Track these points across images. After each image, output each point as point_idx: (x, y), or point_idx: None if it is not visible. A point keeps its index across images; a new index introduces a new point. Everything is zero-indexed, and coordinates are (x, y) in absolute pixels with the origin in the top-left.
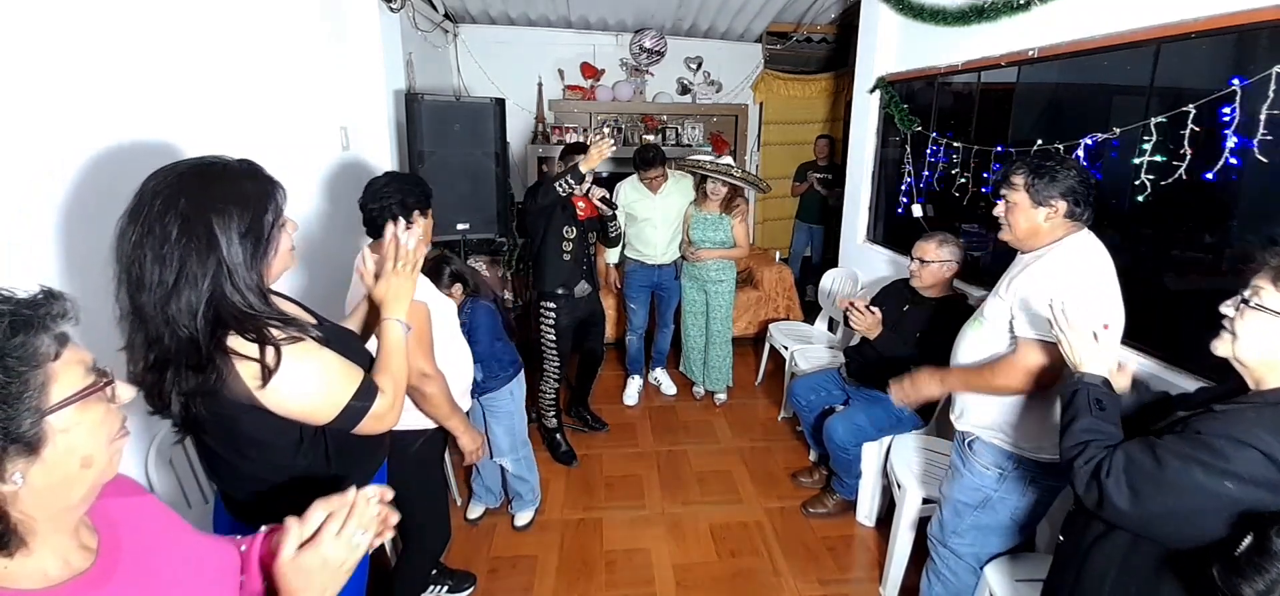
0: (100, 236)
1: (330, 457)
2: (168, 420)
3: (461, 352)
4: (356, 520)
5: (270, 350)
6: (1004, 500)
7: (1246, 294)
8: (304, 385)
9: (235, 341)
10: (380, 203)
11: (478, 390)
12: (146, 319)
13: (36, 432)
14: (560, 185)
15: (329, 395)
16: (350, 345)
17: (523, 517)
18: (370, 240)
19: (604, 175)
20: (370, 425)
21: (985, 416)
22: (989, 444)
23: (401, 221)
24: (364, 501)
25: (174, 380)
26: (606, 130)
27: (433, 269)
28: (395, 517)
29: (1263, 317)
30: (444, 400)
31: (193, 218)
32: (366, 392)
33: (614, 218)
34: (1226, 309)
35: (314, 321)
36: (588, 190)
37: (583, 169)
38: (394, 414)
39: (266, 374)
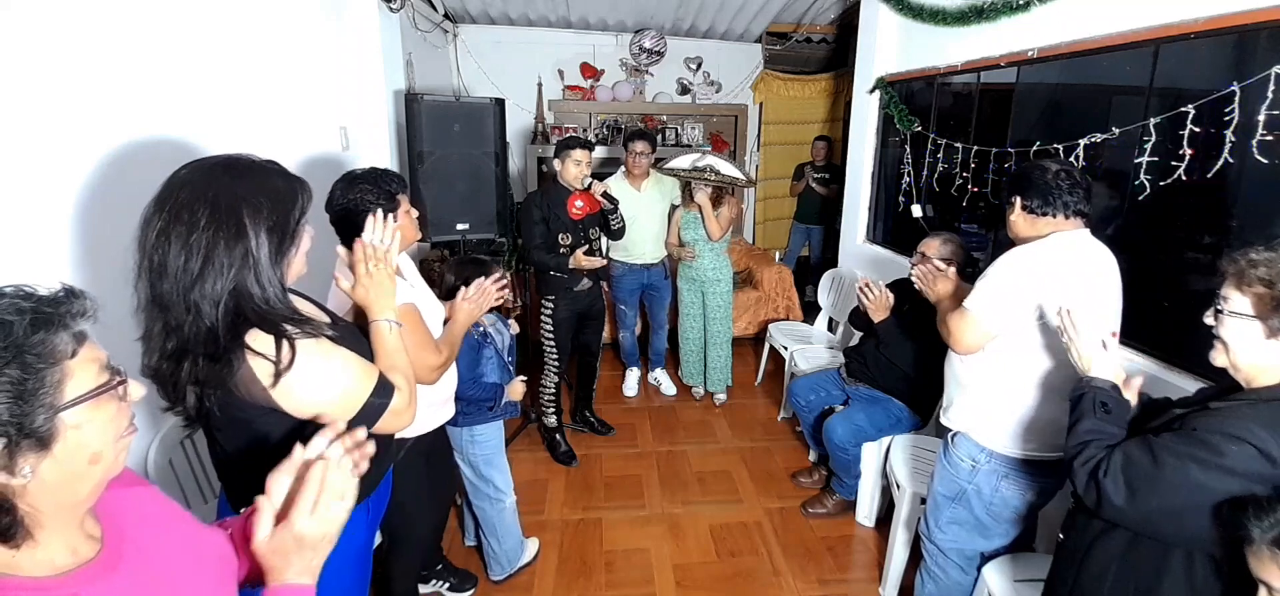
0: (101, 231)
1: None
2: (174, 418)
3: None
4: (331, 490)
5: (285, 348)
6: (978, 493)
7: (1219, 304)
8: (322, 383)
9: (254, 337)
10: (351, 200)
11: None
12: (168, 306)
13: (49, 428)
14: (564, 245)
15: (348, 393)
16: (362, 346)
17: (495, 572)
18: (342, 247)
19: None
20: (388, 422)
21: (964, 411)
22: (966, 437)
23: (375, 218)
24: (335, 468)
25: (190, 370)
26: (609, 194)
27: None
28: (371, 448)
29: (1236, 322)
30: (453, 349)
31: (223, 207)
32: (384, 390)
33: (616, 211)
34: (1207, 320)
35: (329, 321)
36: (589, 186)
37: (571, 266)
38: (412, 411)
39: (278, 372)
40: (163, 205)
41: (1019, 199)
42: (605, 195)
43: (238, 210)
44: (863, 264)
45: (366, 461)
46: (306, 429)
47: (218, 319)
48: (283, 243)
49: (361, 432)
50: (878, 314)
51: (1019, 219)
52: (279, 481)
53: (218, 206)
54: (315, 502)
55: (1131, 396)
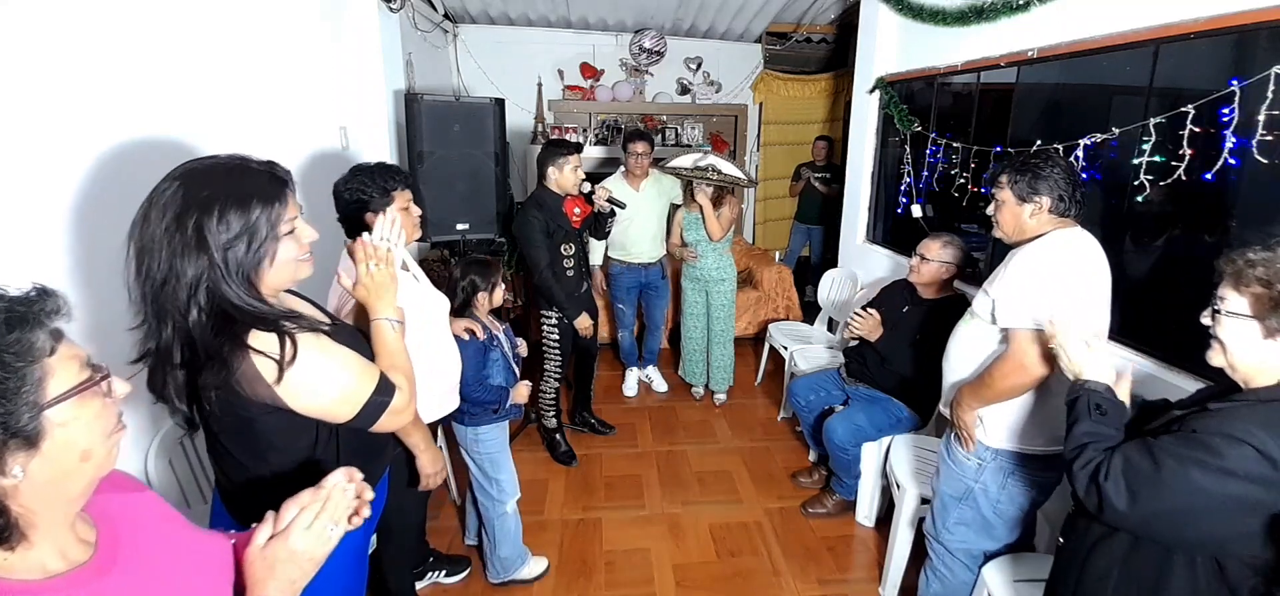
0: (99, 232)
1: (341, 459)
2: (171, 419)
3: (449, 349)
4: (330, 513)
5: (288, 344)
6: (985, 491)
7: (1216, 304)
8: (325, 380)
9: (255, 337)
10: (349, 192)
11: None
12: (148, 307)
13: (35, 427)
14: (567, 257)
15: (350, 391)
16: (360, 345)
17: (490, 576)
18: (348, 242)
19: (588, 172)
20: (388, 421)
21: None
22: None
23: (382, 217)
24: (339, 492)
25: (175, 371)
26: (609, 193)
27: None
28: (369, 494)
29: (1234, 322)
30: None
31: (183, 215)
32: (385, 388)
33: (614, 214)
34: (1204, 320)
35: (327, 321)
36: (591, 193)
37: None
38: (411, 410)
39: (282, 368)
40: (146, 210)
41: (1047, 200)
42: (611, 200)
43: (196, 217)
44: (863, 264)
45: (366, 510)
46: (309, 428)
47: (198, 322)
48: (251, 245)
49: (368, 491)
50: (873, 334)
51: (1037, 217)
52: (291, 508)
53: (179, 215)
54: (314, 520)
55: (1124, 394)
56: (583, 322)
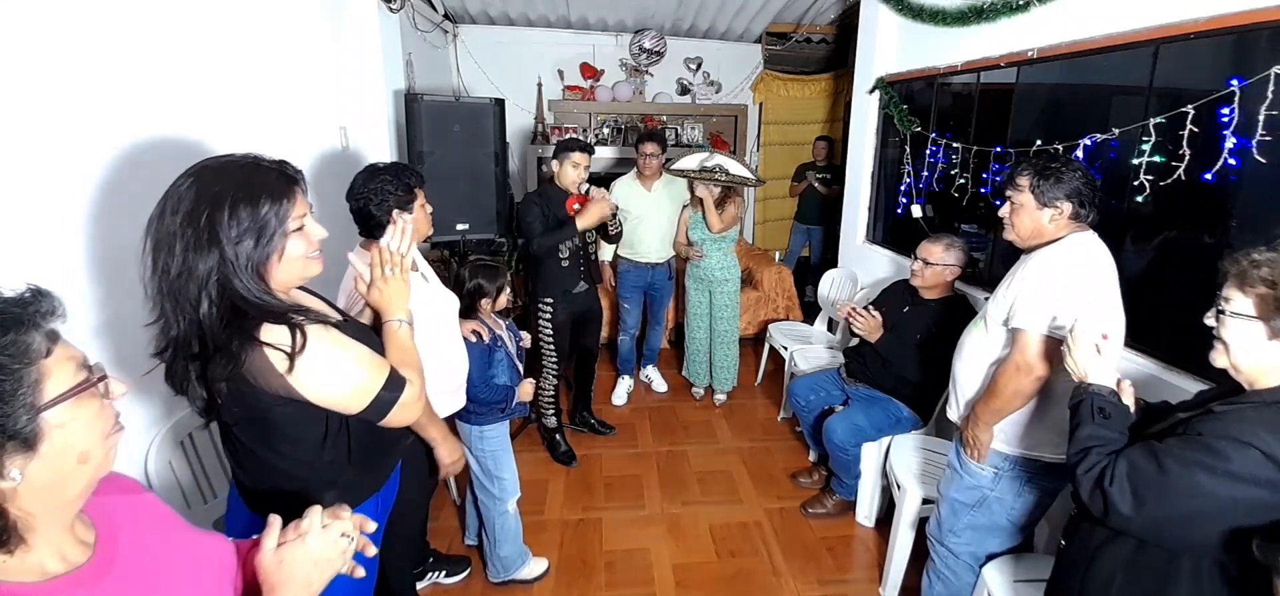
0: (97, 231)
1: (352, 452)
2: (173, 419)
3: (458, 348)
4: (343, 525)
5: (298, 335)
6: (1000, 500)
7: (1220, 305)
8: (337, 371)
9: (266, 331)
10: (370, 192)
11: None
12: (164, 301)
13: (33, 429)
14: (562, 247)
15: (361, 383)
16: (372, 341)
17: (490, 575)
18: (361, 240)
19: (600, 173)
20: (398, 416)
21: None
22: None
23: (395, 223)
24: (349, 520)
25: (187, 363)
26: (613, 203)
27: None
28: (371, 526)
29: (1238, 323)
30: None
31: (195, 210)
32: (395, 383)
33: (614, 215)
34: (1208, 321)
35: (338, 315)
36: (586, 192)
37: (579, 226)
38: (421, 405)
39: (293, 358)
40: (162, 206)
41: (1069, 205)
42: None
43: (209, 213)
44: (862, 264)
45: (370, 549)
46: (320, 420)
47: (208, 314)
48: (259, 240)
49: (371, 524)
50: (873, 336)
51: (1056, 222)
52: (308, 517)
53: (192, 211)
54: (329, 523)
55: (1127, 400)
56: (589, 214)
